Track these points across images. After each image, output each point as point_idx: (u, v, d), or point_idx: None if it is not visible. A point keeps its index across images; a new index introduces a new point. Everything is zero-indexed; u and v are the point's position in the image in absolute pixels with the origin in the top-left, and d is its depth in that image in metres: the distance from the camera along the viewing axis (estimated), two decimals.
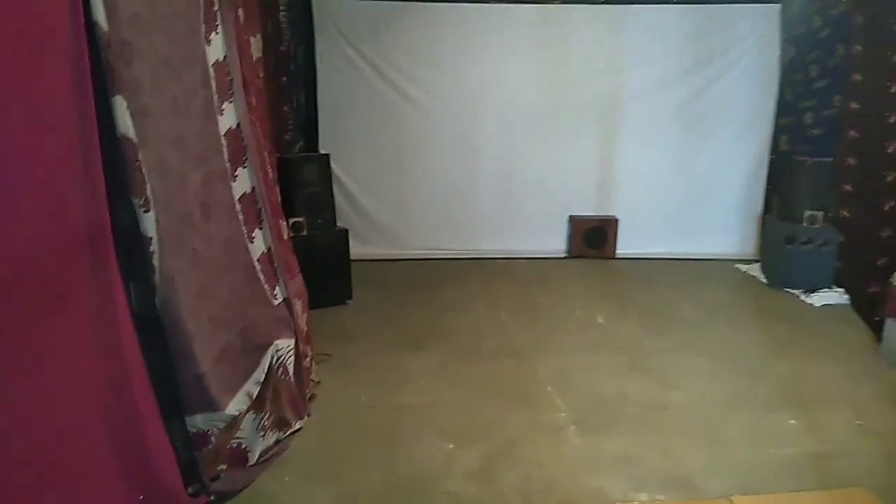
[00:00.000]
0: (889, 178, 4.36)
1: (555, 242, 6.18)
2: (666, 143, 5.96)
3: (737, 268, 5.71)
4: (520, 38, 5.80)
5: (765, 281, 5.24)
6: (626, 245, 6.05)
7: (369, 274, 5.29)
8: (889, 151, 4.36)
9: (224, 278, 2.63)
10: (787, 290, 4.94)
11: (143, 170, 1.93)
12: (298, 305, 3.12)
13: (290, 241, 3.37)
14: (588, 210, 6.11)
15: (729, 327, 4.26)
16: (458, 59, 5.80)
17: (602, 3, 5.71)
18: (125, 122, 1.84)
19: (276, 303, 2.93)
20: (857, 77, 4.76)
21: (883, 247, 4.40)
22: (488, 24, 5.74)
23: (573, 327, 4.25)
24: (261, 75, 3.45)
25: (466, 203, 6.06)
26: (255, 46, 3.35)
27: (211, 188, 2.54)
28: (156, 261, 2.07)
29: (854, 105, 4.81)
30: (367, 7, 5.62)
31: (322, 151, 5.59)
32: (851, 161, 4.79)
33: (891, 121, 4.34)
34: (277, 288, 2.96)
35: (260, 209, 2.87)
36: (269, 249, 2.92)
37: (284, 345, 2.86)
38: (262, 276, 2.86)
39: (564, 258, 6.13)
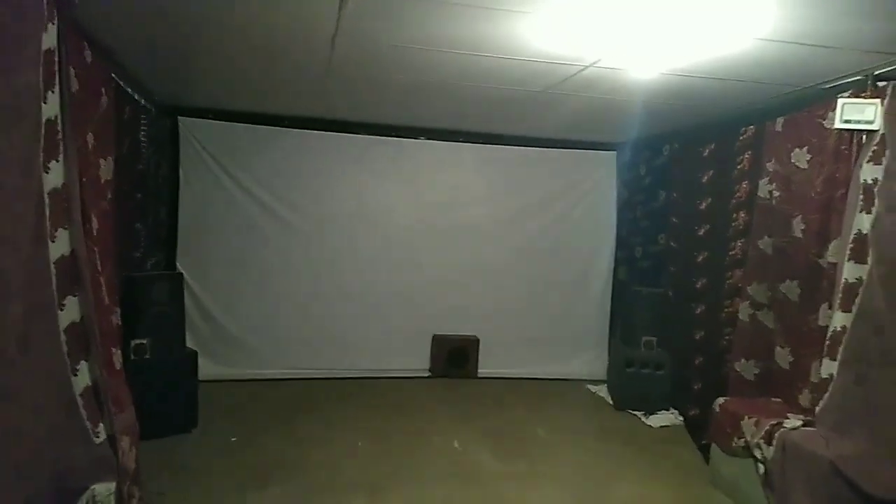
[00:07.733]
0: (698, 311, 4.93)
1: (418, 362, 6.25)
2: (521, 269, 6.39)
3: (587, 388, 6.04)
4: (381, 167, 6.10)
5: (611, 402, 5.56)
6: (487, 365, 6.24)
7: (221, 397, 5.01)
8: (697, 286, 4.96)
9: (41, 416, 2.42)
10: (630, 411, 5.27)
11: None
12: (126, 442, 2.88)
13: (123, 370, 3.16)
14: (451, 330, 6.28)
15: (576, 451, 4.44)
16: (322, 182, 5.95)
17: (460, 141, 6.20)
18: None
19: (98, 441, 2.69)
20: (674, 219, 5.45)
21: (698, 372, 4.89)
22: (352, 152, 6.01)
23: (429, 455, 4.23)
24: (109, 196, 3.36)
25: (329, 322, 6.02)
26: (105, 169, 3.29)
27: (32, 319, 2.37)
28: None
29: (672, 244, 5.47)
30: (233, 129, 5.69)
31: (180, 268, 5.41)
32: (670, 293, 5.39)
33: (699, 259, 4.97)
34: (101, 424, 2.73)
35: (88, 339, 2.70)
36: (94, 382, 2.72)
37: (103, 489, 2.61)
38: (84, 413, 2.64)
39: (428, 377, 6.18)
